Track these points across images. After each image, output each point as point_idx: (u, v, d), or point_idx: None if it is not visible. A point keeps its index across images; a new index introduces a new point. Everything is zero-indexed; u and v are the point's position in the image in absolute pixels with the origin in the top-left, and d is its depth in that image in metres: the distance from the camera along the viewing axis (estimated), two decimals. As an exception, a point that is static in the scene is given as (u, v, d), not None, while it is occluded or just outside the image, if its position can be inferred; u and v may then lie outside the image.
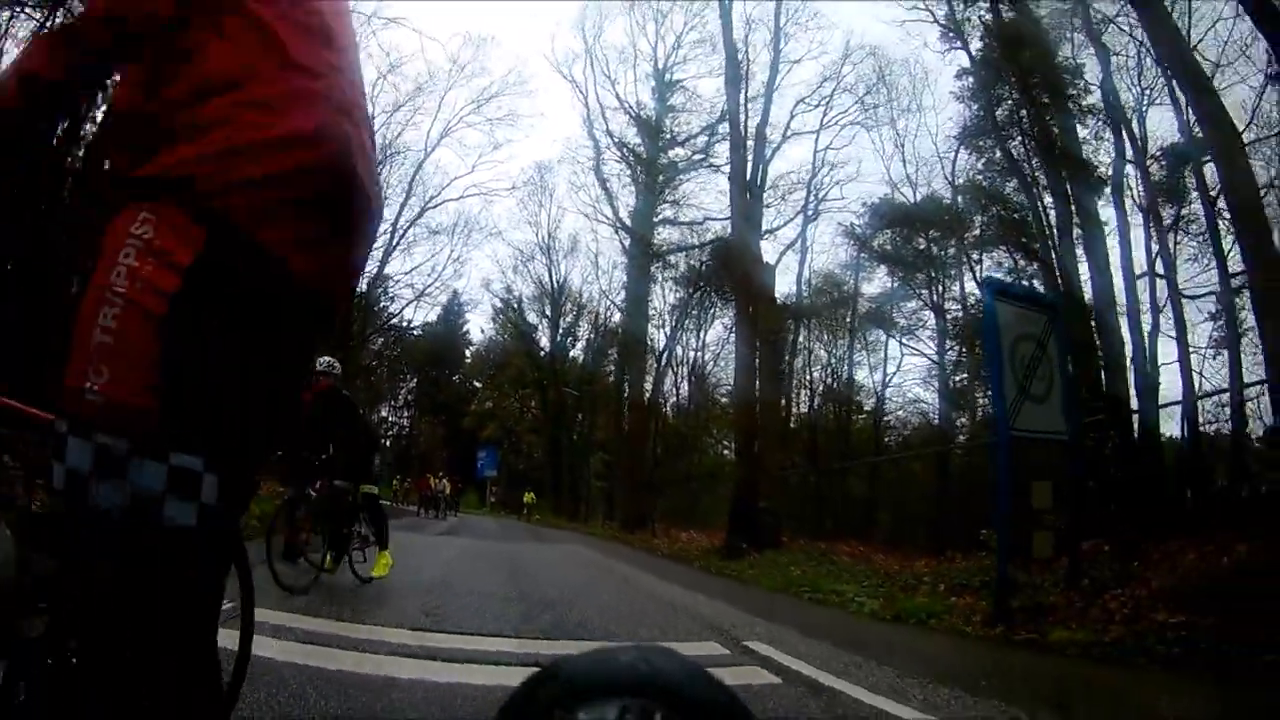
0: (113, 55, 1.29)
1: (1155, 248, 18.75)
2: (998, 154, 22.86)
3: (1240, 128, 13.90)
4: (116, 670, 1.12)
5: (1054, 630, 6.86)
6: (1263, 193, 11.97)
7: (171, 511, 1.15)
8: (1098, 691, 4.97)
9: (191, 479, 1.16)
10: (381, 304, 34.74)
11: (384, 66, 27.84)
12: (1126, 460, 11.52)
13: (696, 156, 32.92)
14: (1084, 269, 17.90)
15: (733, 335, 31.70)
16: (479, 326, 46.81)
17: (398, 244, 32.27)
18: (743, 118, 25.81)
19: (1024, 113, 19.60)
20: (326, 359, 7.86)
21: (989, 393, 9.68)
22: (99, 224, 1.24)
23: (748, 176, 24.30)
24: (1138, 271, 17.96)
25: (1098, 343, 16.35)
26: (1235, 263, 16.97)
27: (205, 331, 1.17)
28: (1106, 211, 19.25)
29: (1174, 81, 15.56)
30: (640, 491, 30.12)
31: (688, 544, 20.35)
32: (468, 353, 52.25)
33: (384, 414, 44.28)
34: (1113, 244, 18.06)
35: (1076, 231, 18.81)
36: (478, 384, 50.01)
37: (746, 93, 26.75)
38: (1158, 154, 19.77)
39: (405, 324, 38.15)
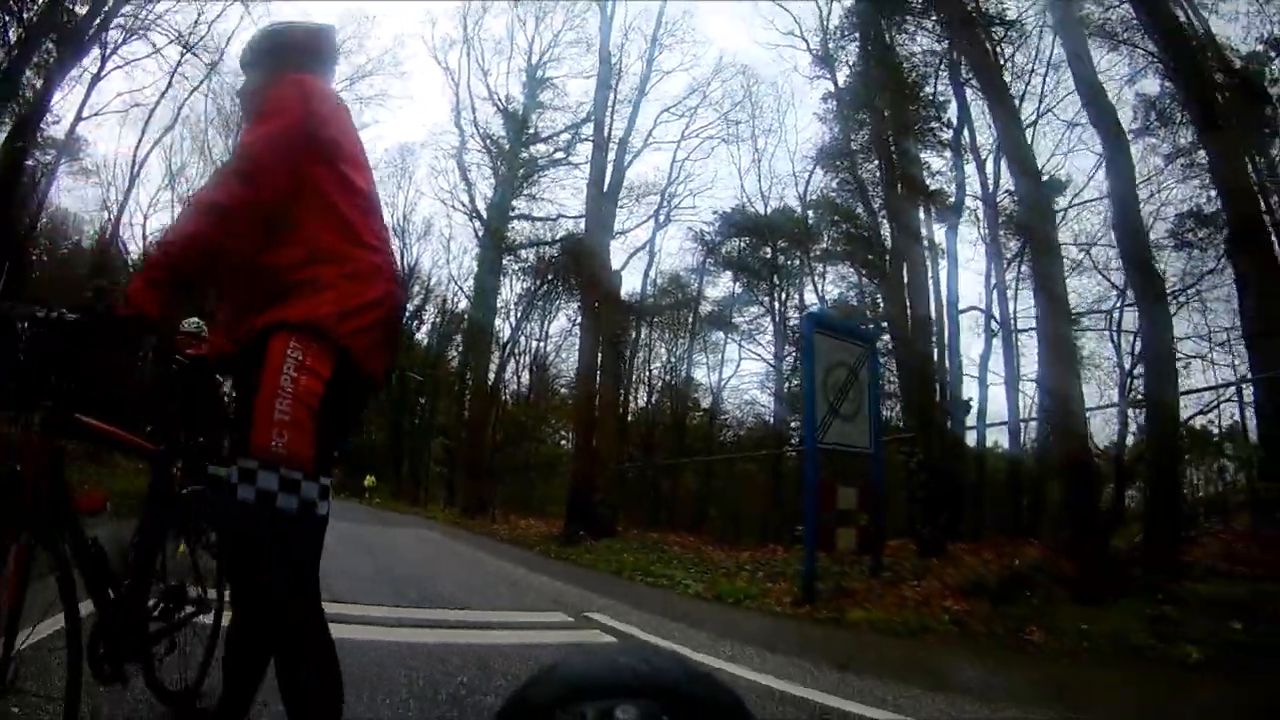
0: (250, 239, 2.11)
1: (993, 279, 20.57)
2: (850, 176, 24.17)
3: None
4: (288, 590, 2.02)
5: (852, 611, 8.00)
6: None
7: (321, 510, 2.04)
8: (878, 656, 6.05)
9: (327, 491, 2.06)
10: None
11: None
12: (932, 473, 12.99)
13: (558, 154, 33.16)
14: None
15: (575, 328, 32.27)
16: None
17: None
18: (608, 121, 26.26)
19: (878, 141, 20.44)
20: (195, 319, 7.45)
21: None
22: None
23: (607, 179, 24.65)
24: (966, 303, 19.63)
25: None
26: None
27: (332, 413, 2.05)
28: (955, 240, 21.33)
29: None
30: (480, 478, 30.43)
31: (527, 530, 20.88)
32: None
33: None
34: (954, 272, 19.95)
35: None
36: None
37: (615, 98, 27.23)
38: (1007, 193, 21.55)
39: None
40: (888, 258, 20.94)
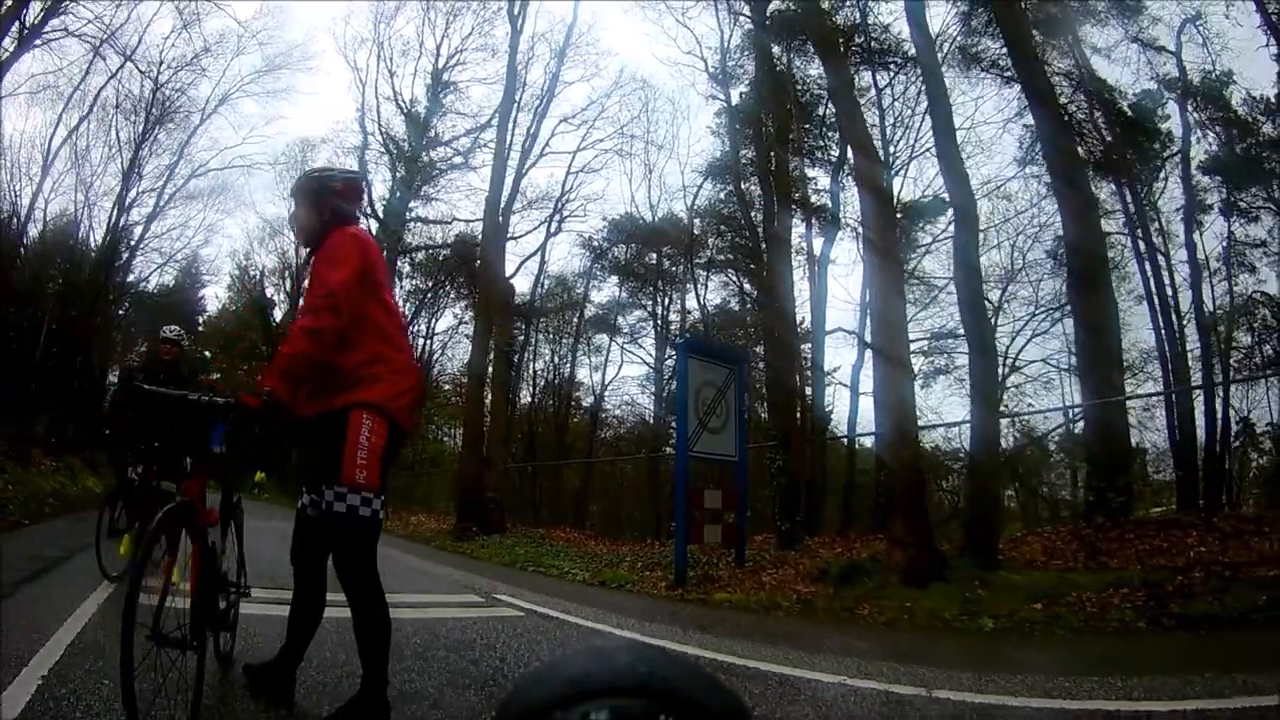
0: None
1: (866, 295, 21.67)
2: (738, 188, 24.81)
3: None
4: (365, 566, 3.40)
5: (717, 593, 9.58)
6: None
7: (382, 515, 3.39)
8: (734, 625, 7.50)
9: (385, 504, 3.45)
10: (129, 269, 33.32)
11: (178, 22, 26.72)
12: (790, 476, 14.80)
13: (457, 159, 33.53)
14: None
15: (462, 326, 33.39)
16: (214, 295, 44.12)
17: (162, 208, 31.79)
18: (510, 130, 26.43)
19: (761, 157, 21.18)
20: (176, 328, 8.44)
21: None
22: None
23: (505, 190, 25.06)
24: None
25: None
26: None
27: (389, 455, 3.44)
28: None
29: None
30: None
31: (419, 526, 21.75)
32: (200, 320, 49.54)
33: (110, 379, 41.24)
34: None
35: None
36: (208, 354, 48.00)
37: (518, 106, 27.46)
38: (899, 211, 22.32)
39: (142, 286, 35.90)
40: (764, 272, 22.06)
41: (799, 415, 19.97)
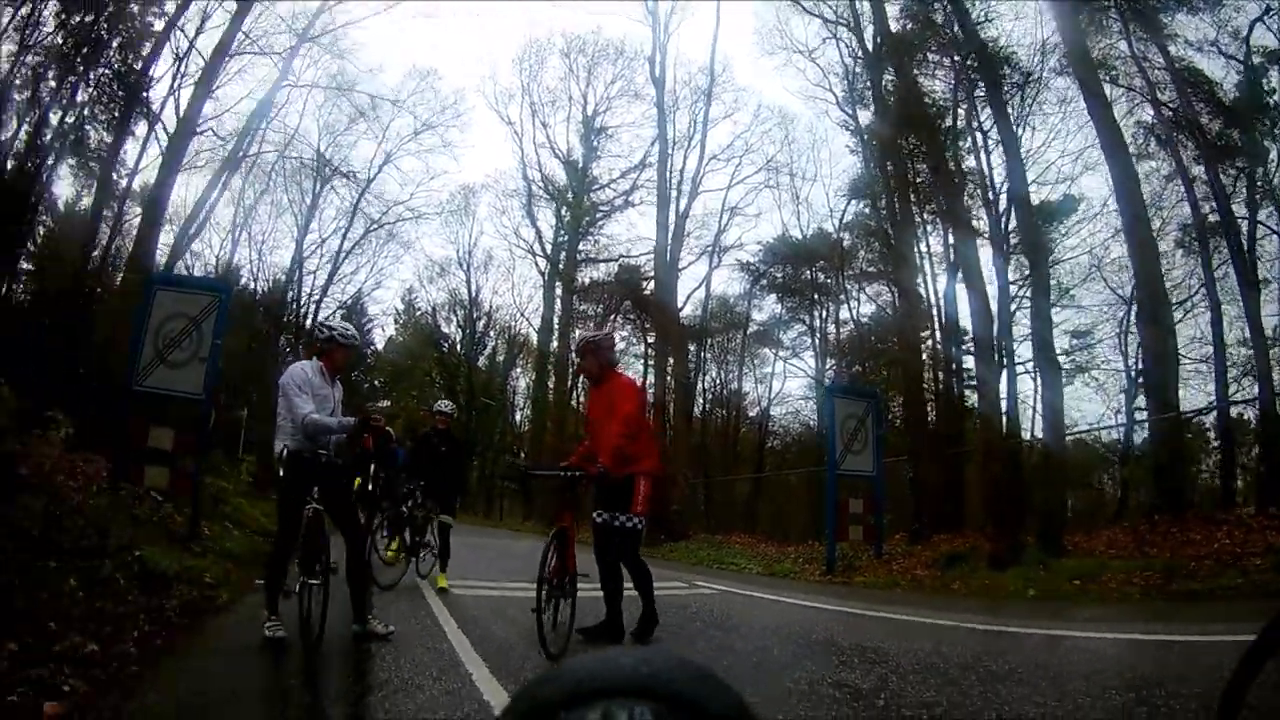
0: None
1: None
2: (875, 206, 26.19)
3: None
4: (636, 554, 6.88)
5: (857, 577, 12.95)
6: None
7: (643, 530, 6.83)
8: (865, 596, 10.72)
9: (645, 524, 6.89)
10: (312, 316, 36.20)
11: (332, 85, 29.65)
12: (919, 485, 17.83)
13: (618, 201, 35.31)
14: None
15: (629, 347, 35.42)
16: (380, 329, 46.43)
17: (342, 263, 35.23)
18: (667, 172, 28.92)
19: (905, 171, 22.45)
20: (448, 403, 10.77)
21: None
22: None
23: (670, 230, 27.53)
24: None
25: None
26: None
27: (655, 496, 6.99)
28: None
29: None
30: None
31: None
32: (369, 352, 50.95)
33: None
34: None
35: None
36: (378, 383, 49.91)
37: (673, 147, 29.59)
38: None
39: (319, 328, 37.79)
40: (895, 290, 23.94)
41: (929, 423, 21.95)
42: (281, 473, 5.99)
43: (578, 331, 33.38)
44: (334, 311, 36.36)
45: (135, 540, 7.58)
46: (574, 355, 7.84)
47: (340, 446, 6.28)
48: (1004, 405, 19.35)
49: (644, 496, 6.53)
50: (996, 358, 19.14)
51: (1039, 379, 18.87)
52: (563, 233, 36.49)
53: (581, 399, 40.31)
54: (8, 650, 4.10)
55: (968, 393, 24.01)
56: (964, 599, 10.32)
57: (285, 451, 5.91)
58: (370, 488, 11.02)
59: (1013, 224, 21.09)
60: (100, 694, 4.14)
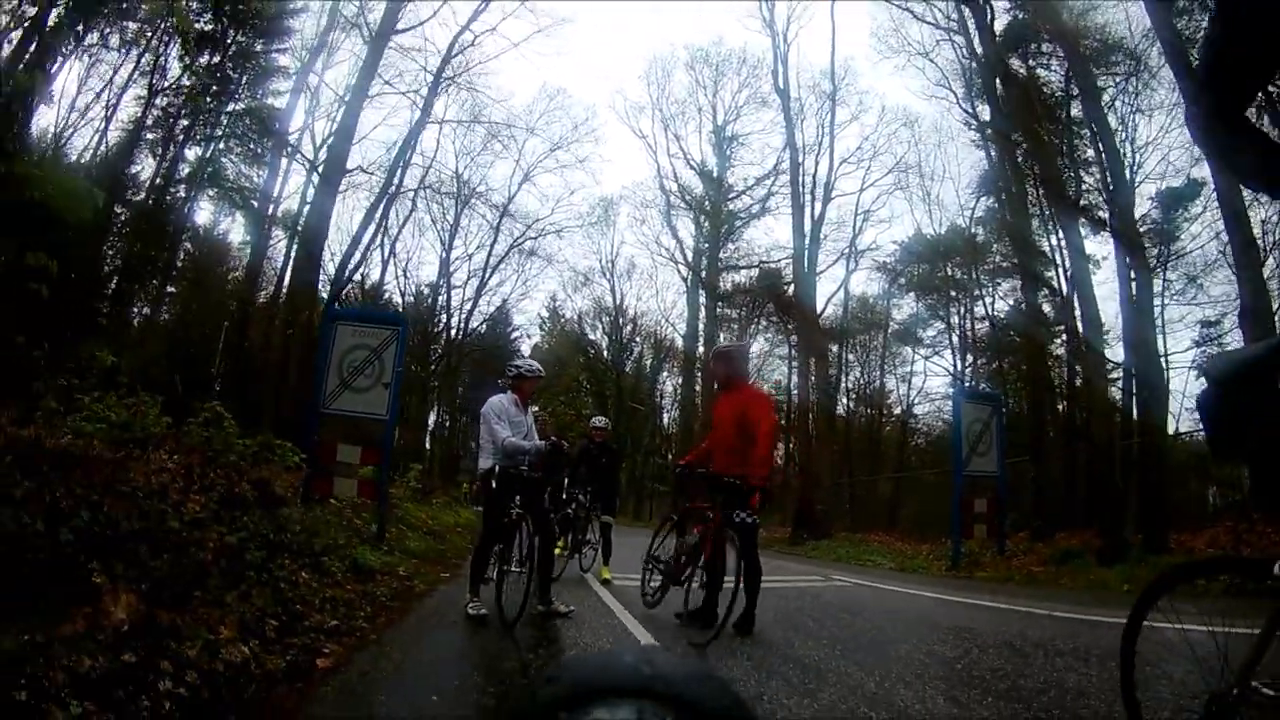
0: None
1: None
2: (999, 199, 26.31)
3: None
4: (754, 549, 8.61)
5: (978, 573, 14.29)
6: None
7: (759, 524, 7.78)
8: (987, 587, 12.08)
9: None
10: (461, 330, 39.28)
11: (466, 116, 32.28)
12: (1038, 487, 18.84)
13: (755, 208, 36.70)
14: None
15: (771, 351, 37.36)
16: (526, 336, 47.55)
17: (489, 277, 37.50)
18: (799, 178, 29.65)
19: (1030, 164, 22.12)
20: (604, 419, 12.21)
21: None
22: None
23: (806, 235, 28.27)
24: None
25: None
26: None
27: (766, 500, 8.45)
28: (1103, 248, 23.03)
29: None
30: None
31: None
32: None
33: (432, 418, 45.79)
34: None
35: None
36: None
37: (804, 155, 30.49)
38: (1153, 198, 23.35)
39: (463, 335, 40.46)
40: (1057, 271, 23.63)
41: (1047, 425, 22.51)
42: (494, 485, 7.14)
43: (722, 336, 35.88)
44: (481, 323, 39.72)
45: (347, 542, 9.21)
46: (709, 361, 9.16)
47: (532, 463, 7.26)
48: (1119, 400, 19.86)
49: (757, 500, 7.29)
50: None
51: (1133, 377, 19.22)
52: (703, 240, 37.73)
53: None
54: (270, 625, 5.19)
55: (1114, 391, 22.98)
56: (1069, 592, 11.48)
57: (496, 468, 7.08)
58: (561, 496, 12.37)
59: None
60: (350, 656, 5.28)
